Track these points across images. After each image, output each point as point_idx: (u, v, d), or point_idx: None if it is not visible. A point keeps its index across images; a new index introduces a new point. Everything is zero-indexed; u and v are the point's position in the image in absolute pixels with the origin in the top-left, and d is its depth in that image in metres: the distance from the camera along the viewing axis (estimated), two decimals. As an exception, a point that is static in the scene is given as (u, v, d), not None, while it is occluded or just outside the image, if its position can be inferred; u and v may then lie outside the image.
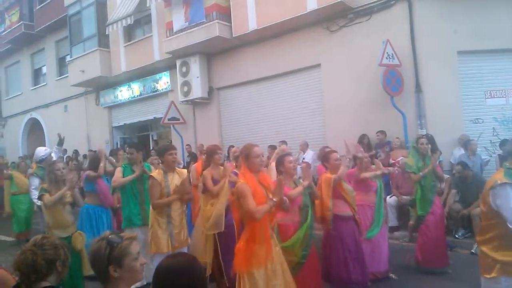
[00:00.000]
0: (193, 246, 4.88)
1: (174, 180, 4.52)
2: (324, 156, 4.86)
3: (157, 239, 4.45)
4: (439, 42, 8.56)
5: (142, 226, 5.20)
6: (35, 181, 7.00)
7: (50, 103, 19.26)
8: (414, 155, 5.57)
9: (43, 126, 20.02)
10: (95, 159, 6.32)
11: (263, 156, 3.54)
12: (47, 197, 4.55)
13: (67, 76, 16.90)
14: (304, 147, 9.65)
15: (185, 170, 4.86)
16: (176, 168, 4.77)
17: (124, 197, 5.44)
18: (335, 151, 4.86)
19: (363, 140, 8.58)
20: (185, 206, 4.93)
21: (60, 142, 7.86)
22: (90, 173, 5.98)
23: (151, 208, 4.58)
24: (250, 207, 3.20)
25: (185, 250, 4.64)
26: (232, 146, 8.91)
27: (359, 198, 4.92)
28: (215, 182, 4.77)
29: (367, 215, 5.18)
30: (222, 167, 4.92)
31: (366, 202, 5.15)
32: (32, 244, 2.27)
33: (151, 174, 4.63)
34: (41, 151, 7.42)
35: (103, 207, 6.03)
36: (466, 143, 8.03)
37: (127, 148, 5.80)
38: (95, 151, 13.37)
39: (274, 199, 3.26)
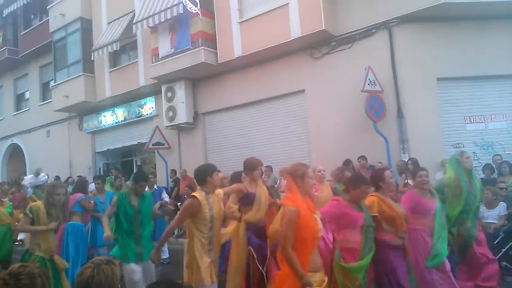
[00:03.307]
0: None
1: (215, 202, 4.21)
2: (378, 176, 4.31)
3: (198, 270, 3.96)
4: (419, 69, 8.81)
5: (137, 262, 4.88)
6: None
7: (32, 128, 18.99)
8: (457, 169, 4.90)
9: (24, 152, 19.66)
10: (81, 184, 7.17)
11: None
12: (23, 221, 4.60)
13: (51, 101, 16.77)
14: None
15: (221, 191, 4.54)
16: None
17: (118, 231, 5.04)
18: (387, 168, 4.54)
19: (348, 164, 8.63)
20: None
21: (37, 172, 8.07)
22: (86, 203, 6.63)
23: (187, 234, 4.12)
24: (286, 242, 3.04)
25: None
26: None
27: (412, 221, 4.31)
28: (251, 195, 4.68)
29: (422, 240, 4.39)
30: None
31: (421, 226, 4.40)
32: (7, 273, 2.17)
33: (193, 193, 4.25)
34: (30, 178, 7.83)
35: (84, 226, 6.49)
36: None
37: (141, 182, 5.12)
38: (80, 176, 13.28)
39: (305, 279, 2.98)
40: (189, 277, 4.05)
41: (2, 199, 8.51)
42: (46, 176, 8.01)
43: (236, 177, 5.16)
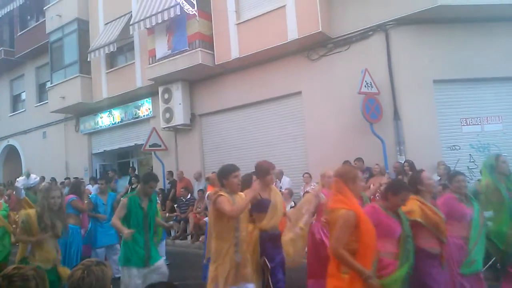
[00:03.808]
0: None
1: (240, 202, 4.09)
2: (416, 179, 4.14)
3: (221, 270, 3.92)
4: (415, 71, 8.83)
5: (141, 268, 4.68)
6: None
7: (29, 129, 18.91)
8: (491, 175, 4.66)
9: (20, 153, 19.58)
10: (76, 185, 7.31)
11: None
12: (19, 232, 4.49)
13: (47, 102, 16.71)
14: (280, 175, 9.68)
15: (244, 194, 4.33)
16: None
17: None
18: (423, 170, 4.38)
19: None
20: None
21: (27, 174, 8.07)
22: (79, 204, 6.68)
23: (213, 233, 4.05)
24: (339, 244, 2.95)
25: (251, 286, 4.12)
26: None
27: (448, 228, 4.02)
28: (265, 201, 4.51)
29: (454, 245, 4.17)
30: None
31: (455, 233, 4.16)
32: (0, 275, 2.16)
33: (219, 192, 4.11)
34: (22, 179, 7.82)
35: (80, 227, 6.53)
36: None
37: (151, 182, 4.99)
38: (77, 178, 13.26)
39: (366, 273, 2.90)
40: (211, 280, 4.01)
41: None
42: (38, 178, 7.98)
43: (247, 180, 4.89)
